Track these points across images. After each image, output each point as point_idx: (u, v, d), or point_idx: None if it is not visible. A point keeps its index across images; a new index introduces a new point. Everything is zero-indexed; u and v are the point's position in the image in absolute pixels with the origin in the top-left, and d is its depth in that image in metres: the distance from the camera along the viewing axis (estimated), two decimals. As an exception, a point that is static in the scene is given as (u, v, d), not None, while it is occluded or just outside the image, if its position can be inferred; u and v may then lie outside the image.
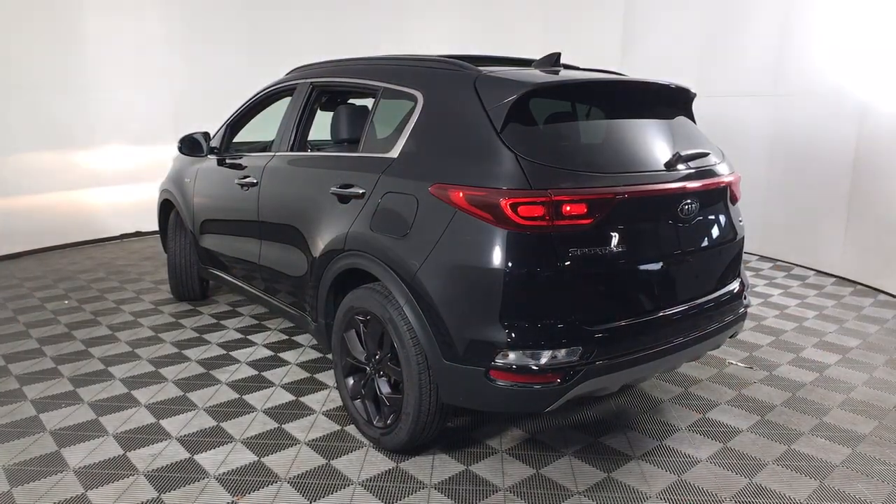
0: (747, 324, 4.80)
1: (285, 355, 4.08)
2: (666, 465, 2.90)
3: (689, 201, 2.70)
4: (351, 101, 4.05)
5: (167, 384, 3.64)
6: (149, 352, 4.12)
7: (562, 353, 2.43)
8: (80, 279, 5.85)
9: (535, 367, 2.42)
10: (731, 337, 3.36)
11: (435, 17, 8.58)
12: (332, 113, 3.55)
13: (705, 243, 2.90)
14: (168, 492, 2.62)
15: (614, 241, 2.51)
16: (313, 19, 7.94)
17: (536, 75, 2.76)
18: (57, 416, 3.25)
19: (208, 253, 4.58)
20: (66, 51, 6.66)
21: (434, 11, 8.57)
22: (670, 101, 3.11)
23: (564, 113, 2.92)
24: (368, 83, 3.25)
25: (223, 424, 3.19)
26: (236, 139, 4.53)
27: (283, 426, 3.19)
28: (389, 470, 2.82)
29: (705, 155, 2.93)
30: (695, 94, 3.20)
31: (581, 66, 3.46)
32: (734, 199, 3.11)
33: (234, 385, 3.64)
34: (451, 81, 2.81)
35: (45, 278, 5.86)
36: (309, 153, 3.65)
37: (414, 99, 2.90)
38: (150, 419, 3.23)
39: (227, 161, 4.22)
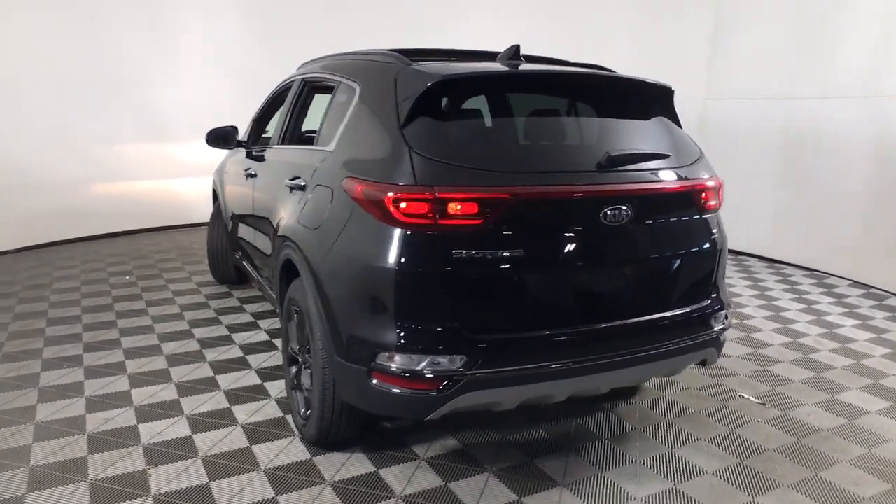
0: (788, 355, 4.21)
1: (279, 340, 4.22)
2: (591, 498, 2.63)
3: (615, 206, 2.41)
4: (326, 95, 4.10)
5: (158, 358, 3.92)
6: (163, 327, 4.45)
7: (442, 360, 2.29)
8: (151, 258, 6.46)
9: (413, 373, 2.30)
10: (701, 365, 2.97)
11: (497, 20, 8.41)
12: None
13: (647, 255, 2.58)
14: (100, 452, 2.83)
15: (510, 244, 2.30)
16: (392, 18, 8.11)
17: (457, 68, 2.61)
18: (56, 375, 3.63)
19: (232, 239, 4.86)
20: (162, 50, 7.36)
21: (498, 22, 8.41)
22: (633, 98, 2.80)
23: (482, 107, 2.74)
24: (331, 77, 3.27)
25: (183, 400, 3.38)
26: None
27: (232, 407, 3.30)
28: (300, 461, 2.82)
29: (657, 157, 2.61)
30: (672, 91, 2.86)
31: (561, 59, 3.23)
32: (704, 208, 2.73)
33: (215, 364, 3.83)
34: (380, 74, 2.75)
35: (123, 256, 6.54)
36: (280, 146, 3.74)
37: (354, 92, 2.88)
38: (126, 386, 3.50)
39: (249, 154, 4.45)
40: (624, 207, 2.42)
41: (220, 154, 6.23)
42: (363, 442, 2.96)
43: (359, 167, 2.54)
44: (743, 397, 3.60)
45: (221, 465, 2.77)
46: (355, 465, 2.81)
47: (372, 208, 2.36)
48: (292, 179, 3.11)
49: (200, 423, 3.13)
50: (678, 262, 2.66)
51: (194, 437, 3.00)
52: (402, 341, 2.29)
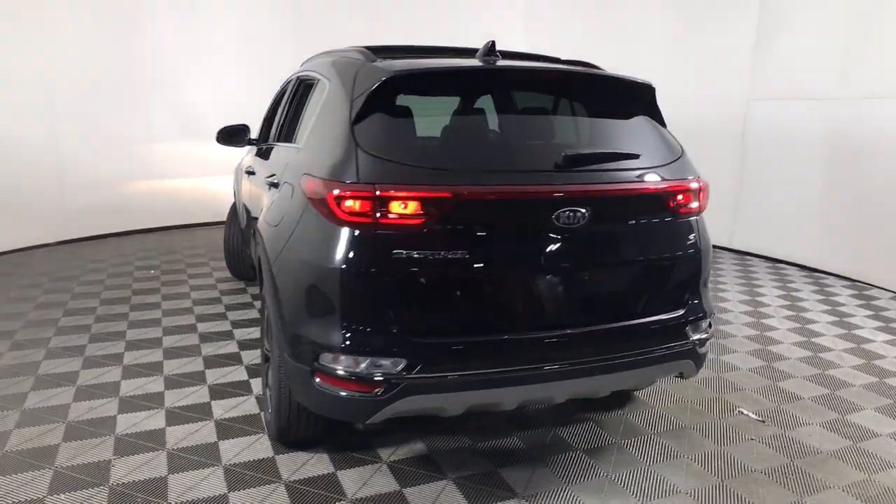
0: (803, 370, 3.94)
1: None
2: (547, 511, 2.52)
3: (570, 208, 2.29)
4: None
5: (156, 350, 4.02)
6: (171, 320, 4.57)
7: (382, 362, 2.23)
8: (180, 254, 6.67)
9: (353, 374, 2.25)
10: (680, 378, 2.81)
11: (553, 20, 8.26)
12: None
13: (609, 260, 2.45)
14: (73, 441, 2.92)
15: (454, 246, 2.23)
16: (421, 12, 8.11)
17: (412, 64, 2.55)
18: (56, 364, 3.78)
19: (244, 236, 4.95)
20: (195, 50, 7.58)
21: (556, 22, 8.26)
22: (608, 95, 2.67)
23: (437, 104, 2.66)
24: (312, 75, 3.26)
25: (167, 392, 3.45)
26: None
27: (212, 402, 3.35)
28: (261, 459, 2.82)
29: (624, 156, 2.47)
30: (652, 88, 2.71)
31: (544, 56, 3.11)
32: (679, 211, 2.57)
33: (208, 359, 3.89)
34: (344, 71, 2.72)
35: (153, 251, 6.78)
36: (274, 144, 3.76)
37: (324, 89, 2.87)
38: (118, 377, 3.60)
39: (257, 152, 4.52)
40: (581, 210, 2.30)
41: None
42: (329, 442, 2.94)
43: (315, 164, 2.52)
44: (742, 413, 3.39)
45: (184, 459, 2.80)
46: (315, 465, 2.79)
47: (320, 206, 2.33)
48: (269, 177, 3.13)
49: (177, 416, 3.19)
50: (646, 267, 2.52)
51: (167, 429, 3.06)
52: (343, 342, 2.25)
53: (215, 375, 3.66)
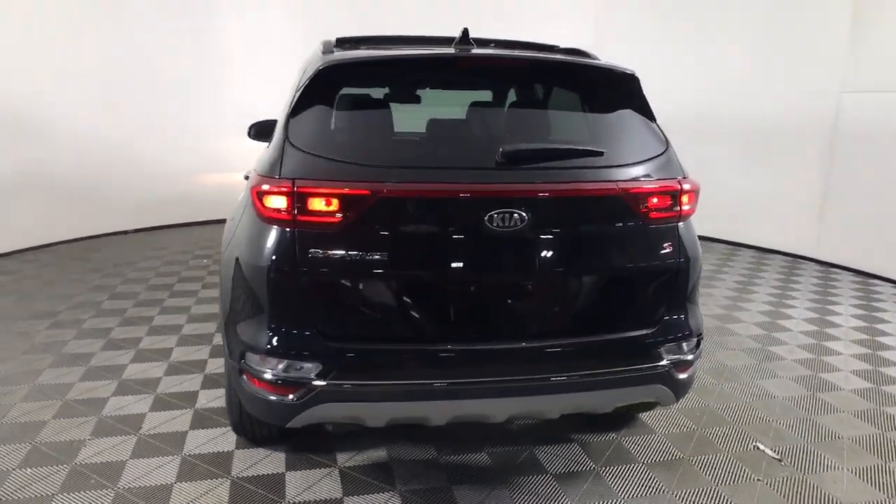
0: (856, 404, 3.41)
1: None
2: (486, 538, 2.32)
3: (505, 210, 2.06)
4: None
5: (172, 337, 4.17)
6: (200, 308, 4.74)
7: (299, 366, 2.13)
8: (237, 244, 6.95)
9: (270, 376, 2.17)
10: (650, 407, 2.49)
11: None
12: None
13: (555, 268, 2.19)
14: (61, 418, 3.07)
15: (372, 247, 2.08)
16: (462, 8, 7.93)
17: (353, 55, 2.40)
18: (80, 344, 4.02)
19: None
20: (261, 51, 7.87)
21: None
22: (577, 86, 2.40)
23: (376, 96, 2.48)
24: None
25: (165, 378, 3.56)
26: None
27: (201, 391, 3.41)
28: (220, 452, 2.82)
29: (581, 153, 2.20)
30: (632, 77, 2.41)
31: (529, 43, 2.86)
32: (648, 216, 2.25)
33: (216, 348, 3.98)
34: (304, 64, 2.64)
35: (214, 241, 7.10)
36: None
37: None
38: (127, 360, 3.77)
39: None
40: (517, 212, 2.07)
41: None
42: (292, 441, 2.88)
43: (259, 160, 2.47)
44: (758, 448, 2.97)
45: (150, 446, 2.86)
46: (268, 463, 2.75)
47: (255, 202, 2.27)
48: (246, 175, 3.12)
49: (163, 402, 3.27)
50: (606, 278, 2.24)
51: (148, 415, 3.14)
52: (262, 343, 2.17)
53: (215, 365, 3.74)
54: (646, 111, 2.46)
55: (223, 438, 2.93)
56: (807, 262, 6.74)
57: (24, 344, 3.99)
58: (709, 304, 5.18)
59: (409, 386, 2.13)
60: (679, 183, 2.30)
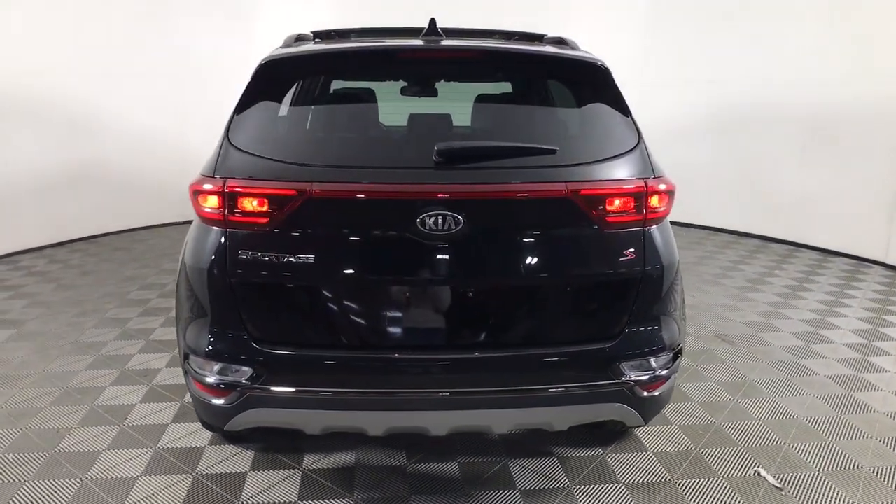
0: (892, 430, 3.05)
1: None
2: (430, 555, 2.20)
3: (437, 213, 1.93)
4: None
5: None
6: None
7: (231, 369, 2.09)
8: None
9: (208, 380, 2.14)
10: (624, 423, 2.29)
11: None
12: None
13: (497, 274, 2.03)
14: (58, 406, 3.19)
15: (300, 249, 1.99)
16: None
17: (289, 51, 2.31)
18: (96, 333, 4.18)
19: None
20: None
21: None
22: (542, 77, 2.22)
23: (316, 92, 2.37)
24: None
25: (164, 370, 3.64)
26: None
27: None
28: (192, 447, 2.83)
29: (529, 151, 2.03)
30: (598, 68, 2.20)
31: (509, 32, 2.69)
32: (606, 220, 2.05)
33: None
34: None
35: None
36: None
37: None
38: (135, 351, 3.89)
39: None
40: (451, 215, 1.93)
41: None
42: (265, 440, 2.87)
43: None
44: (759, 474, 2.70)
45: (128, 437, 2.91)
46: (234, 461, 2.74)
47: (192, 202, 2.25)
48: None
49: (154, 394, 3.34)
50: (551, 288, 2.06)
51: (137, 406, 3.21)
52: (197, 345, 2.14)
53: (216, 358, 3.79)
54: (618, 105, 2.25)
55: (200, 434, 2.95)
56: (873, 266, 6.15)
57: (46, 331, 4.19)
58: (745, 310, 4.81)
59: (340, 395, 2.05)
60: (645, 183, 2.08)
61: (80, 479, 2.60)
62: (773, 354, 3.98)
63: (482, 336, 2.08)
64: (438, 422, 2.14)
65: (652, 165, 2.17)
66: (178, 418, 3.09)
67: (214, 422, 2.29)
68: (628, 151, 2.14)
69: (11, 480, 2.58)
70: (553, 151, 2.04)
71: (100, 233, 7.00)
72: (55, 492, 2.51)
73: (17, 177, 6.11)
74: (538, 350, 2.07)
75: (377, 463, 2.74)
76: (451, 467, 2.72)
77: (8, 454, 2.77)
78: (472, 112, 2.41)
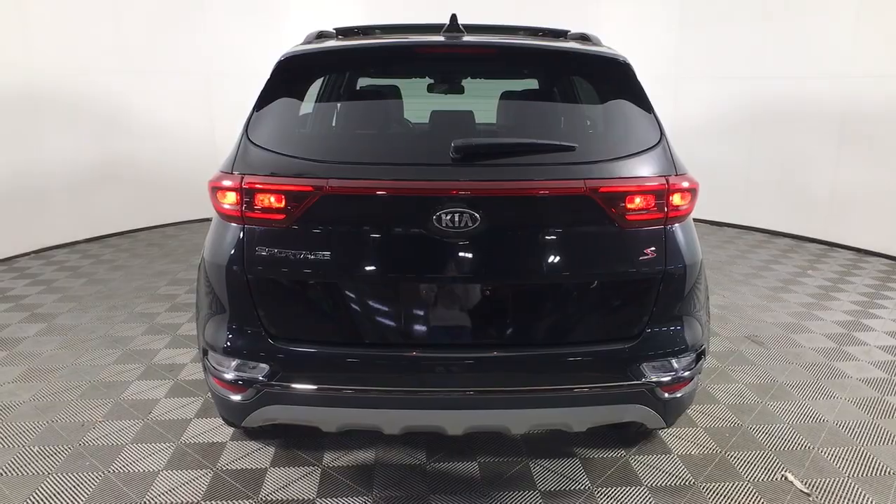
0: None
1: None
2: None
3: (455, 210, 1.90)
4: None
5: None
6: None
7: (248, 365, 2.10)
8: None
9: (226, 376, 2.15)
10: (645, 425, 2.24)
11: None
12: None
13: (516, 272, 1.99)
14: (84, 399, 3.25)
15: (316, 246, 1.98)
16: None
17: (318, 46, 2.29)
18: (125, 328, 4.26)
19: None
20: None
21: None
22: (562, 74, 2.18)
23: (336, 88, 2.35)
24: None
25: (189, 365, 3.68)
26: None
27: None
28: (214, 443, 2.85)
29: (547, 148, 1.99)
30: (620, 63, 2.15)
31: (534, 28, 2.65)
32: (627, 218, 2.00)
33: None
34: None
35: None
36: None
37: None
38: (162, 346, 3.94)
39: None
40: (469, 212, 1.91)
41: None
42: (288, 436, 2.88)
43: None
44: (786, 479, 2.62)
45: (152, 432, 2.95)
46: (256, 457, 2.75)
47: (211, 198, 2.26)
48: None
49: (180, 389, 3.38)
50: (569, 287, 2.02)
51: (161, 401, 3.25)
52: (216, 342, 2.16)
53: (239, 354, 3.82)
54: (640, 101, 2.19)
55: (222, 429, 2.98)
56: (915, 266, 5.95)
57: (76, 325, 4.28)
58: (777, 311, 4.68)
59: (356, 392, 2.04)
60: (667, 181, 2.03)
61: (103, 472, 2.64)
62: (804, 356, 3.87)
63: (496, 335, 2.05)
64: (455, 421, 2.12)
65: (674, 162, 2.11)
66: (201, 413, 3.12)
67: (232, 417, 2.30)
68: (650, 148, 2.09)
69: (36, 473, 2.63)
70: (572, 148, 2.00)
71: (132, 228, 7.13)
72: (77, 484, 2.56)
73: (52, 173, 6.26)
74: (555, 350, 2.03)
75: (397, 461, 2.73)
76: (472, 467, 2.70)
77: (34, 447, 2.83)
78: (496, 109, 2.38)
